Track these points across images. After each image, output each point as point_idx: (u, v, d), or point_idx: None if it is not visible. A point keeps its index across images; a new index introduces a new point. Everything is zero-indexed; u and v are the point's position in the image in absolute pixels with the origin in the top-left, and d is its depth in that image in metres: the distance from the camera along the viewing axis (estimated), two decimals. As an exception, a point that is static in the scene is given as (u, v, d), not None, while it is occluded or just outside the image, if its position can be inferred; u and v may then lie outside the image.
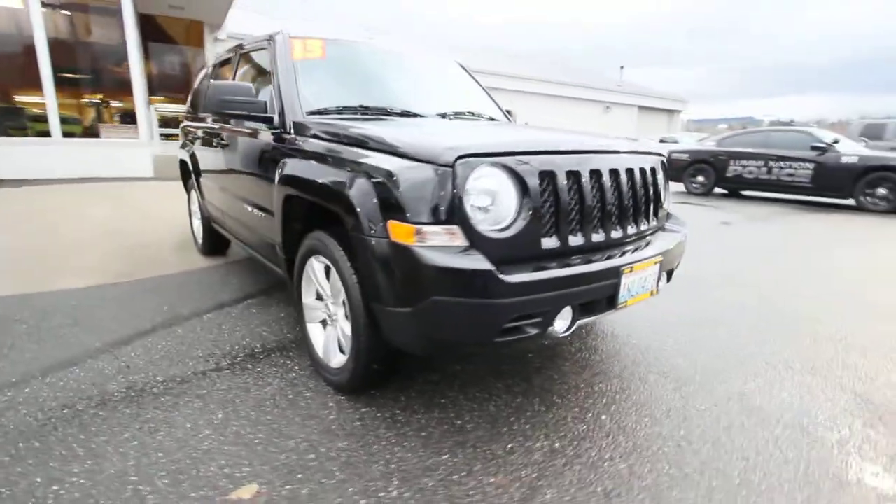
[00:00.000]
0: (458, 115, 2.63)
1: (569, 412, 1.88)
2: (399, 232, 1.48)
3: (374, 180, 1.54)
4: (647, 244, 1.97)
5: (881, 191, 7.50)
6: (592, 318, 1.72)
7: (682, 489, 1.48)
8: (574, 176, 1.67)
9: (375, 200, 1.53)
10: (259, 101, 2.27)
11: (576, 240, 1.68)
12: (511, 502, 1.41)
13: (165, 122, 10.50)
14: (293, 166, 2.00)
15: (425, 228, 1.45)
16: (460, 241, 1.48)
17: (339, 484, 1.47)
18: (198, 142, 3.58)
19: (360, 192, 1.57)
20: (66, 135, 8.53)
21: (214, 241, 3.98)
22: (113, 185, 8.17)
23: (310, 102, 2.26)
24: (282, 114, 2.26)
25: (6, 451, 1.61)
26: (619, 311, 1.81)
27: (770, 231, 6.06)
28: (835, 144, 8.14)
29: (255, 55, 2.89)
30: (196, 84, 4.18)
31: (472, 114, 2.73)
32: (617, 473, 1.54)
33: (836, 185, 7.97)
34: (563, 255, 1.65)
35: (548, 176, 1.60)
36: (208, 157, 3.33)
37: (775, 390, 2.08)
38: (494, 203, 1.52)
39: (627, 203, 1.86)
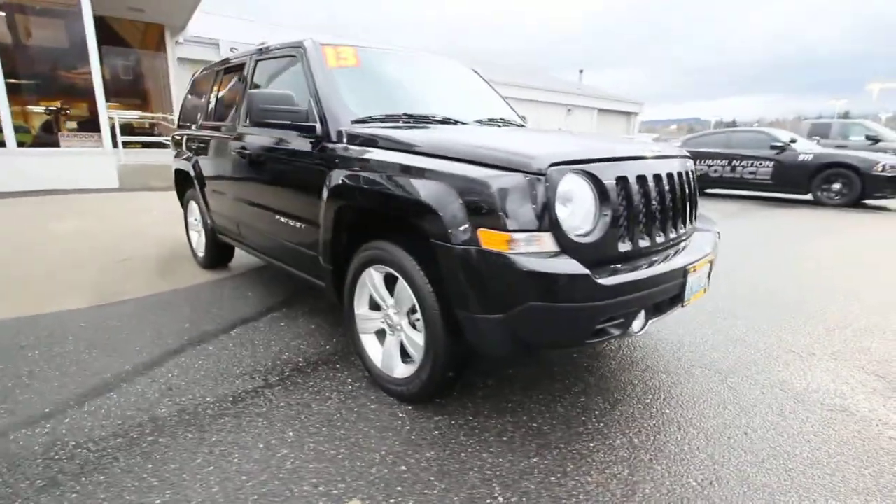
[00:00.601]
0: (492, 121, 2.66)
1: (633, 408, 1.95)
2: (491, 240, 1.50)
3: (462, 189, 1.55)
4: (691, 243, 2.07)
5: (836, 186, 8.12)
6: (661, 317, 1.79)
7: (764, 475, 1.57)
8: (641, 180, 1.74)
9: (464, 209, 1.54)
10: (301, 109, 2.22)
11: (644, 242, 1.75)
12: (614, 499, 1.45)
13: (128, 129, 9.96)
14: (349, 176, 1.97)
15: (519, 235, 1.48)
16: (551, 246, 1.51)
17: (442, 494, 1.47)
18: (203, 151, 3.44)
19: (445, 201, 1.57)
20: (20, 144, 7.94)
21: (218, 254, 3.84)
22: (78, 198, 7.67)
23: (352, 111, 2.23)
24: (324, 123, 2.22)
25: (70, 486, 1.51)
26: (676, 311, 1.89)
27: (745, 226, 6.44)
28: (792, 143, 8.75)
29: (273, 63, 2.82)
30: (187, 91, 4.02)
31: (504, 120, 2.77)
32: (701, 464, 1.61)
33: (795, 181, 8.56)
34: (634, 257, 1.72)
35: (621, 181, 1.66)
36: (219, 167, 3.21)
37: (809, 376, 2.23)
38: (580, 209, 1.57)
39: (679, 205, 1.95)
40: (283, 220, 2.52)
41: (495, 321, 1.55)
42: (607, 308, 1.52)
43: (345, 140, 2.07)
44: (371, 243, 1.96)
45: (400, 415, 1.89)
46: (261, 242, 2.92)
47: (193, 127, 3.70)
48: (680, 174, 2.01)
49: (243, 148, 2.81)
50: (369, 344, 2.13)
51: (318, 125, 2.23)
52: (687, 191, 2.06)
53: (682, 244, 2.02)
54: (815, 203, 8.38)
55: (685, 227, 2.03)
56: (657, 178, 1.82)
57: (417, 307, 1.79)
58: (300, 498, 1.45)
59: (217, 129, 3.27)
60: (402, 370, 1.97)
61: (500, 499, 1.45)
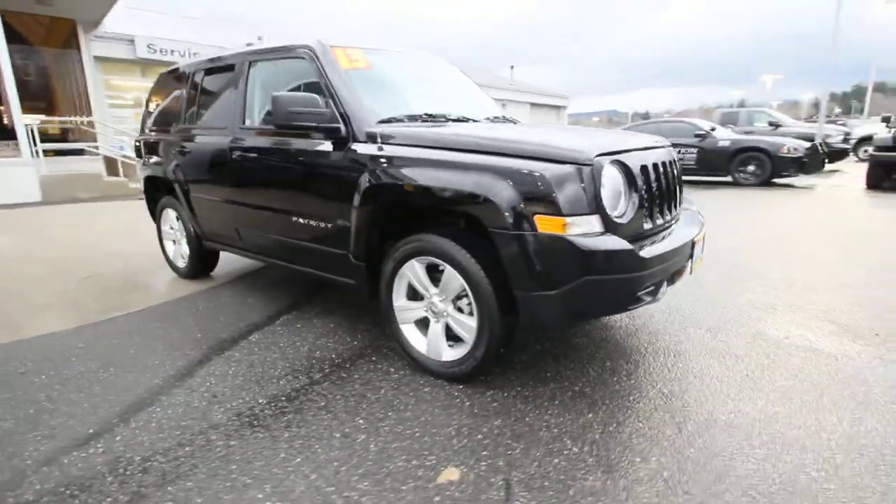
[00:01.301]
0: (496, 119, 2.85)
1: (652, 365, 2.24)
2: (548, 224, 1.69)
3: (518, 181, 1.73)
4: (682, 220, 2.39)
5: (750, 168, 9.20)
6: (674, 284, 2.08)
7: (772, 405, 1.90)
8: (653, 167, 2.01)
9: (520, 199, 1.72)
10: (326, 111, 2.27)
11: (658, 220, 2.03)
12: (667, 437, 1.71)
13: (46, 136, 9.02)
14: (391, 175, 2.08)
15: (573, 219, 1.68)
16: (598, 227, 1.73)
17: (524, 452, 1.65)
18: (186, 156, 3.32)
19: (503, 193, 1.74)
20: (-84, 157, 6.98)
21: (202, 263, 3.72)
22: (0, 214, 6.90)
23: (376, 112, 2.32)
24: (347, 124, 2.29)
25: (159, 497, 1.51)
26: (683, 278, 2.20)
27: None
28: (712, 132, 9.77)
29: (272, 64, 2.82)
30: (152, 94, 3.82)
31: (506, 118, 2.97)
32: (723, 404, 1.92)
33: (716, 165, 9.58)
34: (652, 234, 1.99)
35: (643, 169, 1.92)
36: (210, 172, 3.12)
37: (779, 327, 2.65)
38: (616, 193, 1.80)
39: (673, 187, 2.26)
40: (302, 221, 2.55)
41: (552, 297, 1.75)
42: (646, 277, 1.77)
43: (379, 140, 2.16)
44: (414, 237, 2.08)
45: (455, 394, 2.04)
46: (268, 246, 2.91)
47: (170, 131, 3.55)
48: (672, 161, 2.31)
49: (246, 151, 2.78)
50: (410, 333, 2.25)
51: (341, 126, 2.30)
52: (676, 175, 2.38)
53: (677, 221, 2.33)
54: (734, 183, 9.43)
55: (678, 206, 2.35)
56: (662, 164, 2.11)
57: (469, 292, 1.94)
58: (398, 472, 1.57)
59: (205, 132, 3.18)
60: (450, 353, 2.11)
61: (575, 449, 1.66)
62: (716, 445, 1.67)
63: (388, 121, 2.32)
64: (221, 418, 1.93)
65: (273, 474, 1.59)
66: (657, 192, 2.02)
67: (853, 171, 11.50)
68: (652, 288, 1.87)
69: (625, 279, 1.73)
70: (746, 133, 11.75)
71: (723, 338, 2.52)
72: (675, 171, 2.33)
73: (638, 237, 1.90)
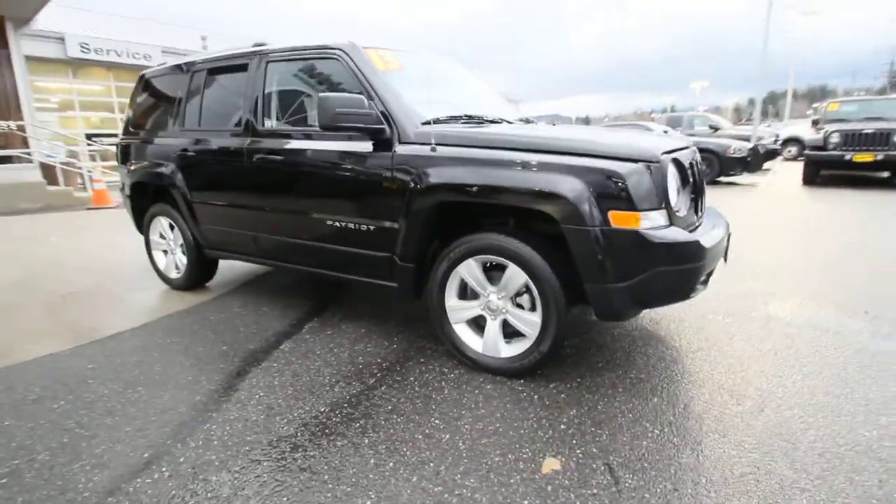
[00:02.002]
0: (521, 120, 2.92)
1: (692, 347, 2.39)
2: (622, 219, 1.77)
3: (591, 179, 1.80)
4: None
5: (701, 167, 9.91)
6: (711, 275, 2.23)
7: (798, 375, 2.09)
8: (692, 165, 2.16)
9: (594, 195, 1.79)
10: (371, 112, 2.23)
11: (700, 214, 2.18)
12: (741, 411, 1.84)
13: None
14: (446, 175, 2.08)
15: (645, 214, 1.78)
16: (664, 221, 1.83)
17: (610, 437, 1.71)
18: (190, 160, 3.13)
19: (576, 190, 1.80)
20: None
21: (201, 272, 3.52)
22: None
23: (419, 113, 2.32)
24: (392, 125, 2.27)
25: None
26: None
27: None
28: (665, 134, 10.42)
29: (293, 64, 2.73)
30: (137, 95, 3.58)
31: (528, 119, 3.04)
32: (758, 379, 2.09)
33: (670, 165, 10.23)
34: (696, 227, 2.13)
35: (689, 167, 2.06)
36: (222, 176, 2.97)
37: (785, 310, 2.90)
38: (676, 189, 1.92)
39: (702, 184, 2.43)
40: (338, 224, 2.49)
41: (623, 288, 1.84)
42: (705, 266, 1.90)
43: (432, 141, 2.15)
44: (473, 236, 2.10)
45: (519, 388, 2.08)
46: (292, 252, 2.80)
47: (165, 133, 3.33)
48: (699, 160, 2.49)
49: (269, 153, 2.67)
50: (463, 332, 2.26)
51: (386, 127, 2.27)
52: (701, 172, 2.56)
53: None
54: (687, 182, 10.11)
55: (705, 202, 2.52)
56: (695, 163, 2.26)
57: (533, 287, 1.99)
58: (499, 467, 1.58)
59: (213, 134, 3.02)
60: (509, 349, 2.15)
61: (657, 431, 1.74)
62: (778, 417, 1.82)
63: (431, 122, 2.32)
64: (287, 430, 1.86)
65: (371, 481, 1.56)
66: (698, 188, 2.17)
67: (784, 170, 12.66)
68: (705, 277, 2.01)
69: (689, 269, 1.84)
70: (689, 136, 12.65)
71: (741, 322, 2.73)
72: (700, 169, 2.50)
73: (690, 230, 2.02)
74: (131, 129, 3.68)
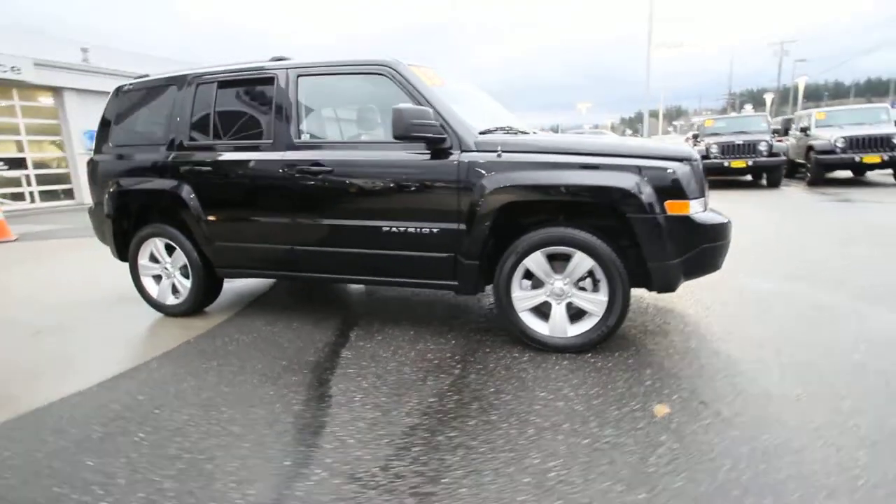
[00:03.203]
0: (543, 130, 3.27)
1: (699, 314, 2.89)
2: (676, 207, 2.19)
3: (651, 176, 2.19)
4: None
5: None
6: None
7: (803, 339, 2.68)
8: (697, 164, 2.68)
9: (654, 189, 2.18)
10: (436, 123, 2.41)
11: (705, 203, 2.70)
12: (769, 357, 2.32)
13: None
14: (515, 178, 2.34)
15: (693, 202, 2.21)
16: (702, 207, 2.29)
17: (690, 384, 2.09)
18: (208, 175, 2.98)
19: (640, 185, 2.18)
20: None
21: (206, 295, 3.33)
22: None
23: (474, 125, 2.56)
24: (453, 135, 2.48)
25: (445, 493, 1.55)
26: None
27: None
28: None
29: (331, 79, 2.81)
30: (115, 109, 3.32)
31: (554, 129, 3.40)
32: (787, 348, 2.64)
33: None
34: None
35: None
36: (256, 191, 2.89)
37: (763, 283, 3.58)
38: (704, 182, 2.39)
39: None
40: (397, 230, 2.60)
41: (677, 264, 2.25)
42: (730, 242, 2.39)
43: (499, 148, 2.40)
44: (540, 231, 2.38)
45: (591, 360, 2.38)
46: (338, 262, 2.82)
47: (165, 148, 3.13)
48: None
49: (312, 165, 2.70)
50: (528, 319, 2.52)
51: (447, 137, 2.47)
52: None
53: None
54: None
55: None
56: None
57: (599, 271, 2.32)
58: (623, 418, 1.86)
59: (235, 148, 2.94)
60: (575, 328, 2.45)
61: (723, 380, 2.15)
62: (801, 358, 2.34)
63: (485, 132, 2.58)
64: (412, 420, 1.95)
65: (524, 445, 1.74)
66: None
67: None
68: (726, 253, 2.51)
69: (723, 245, 2.32)
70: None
71: (749, 294, 3.30)
72: None
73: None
74: (110, 145, 3.38)
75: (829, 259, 4.15)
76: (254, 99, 2.99)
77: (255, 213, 2.94)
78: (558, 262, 2.45)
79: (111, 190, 3.30)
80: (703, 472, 1.55)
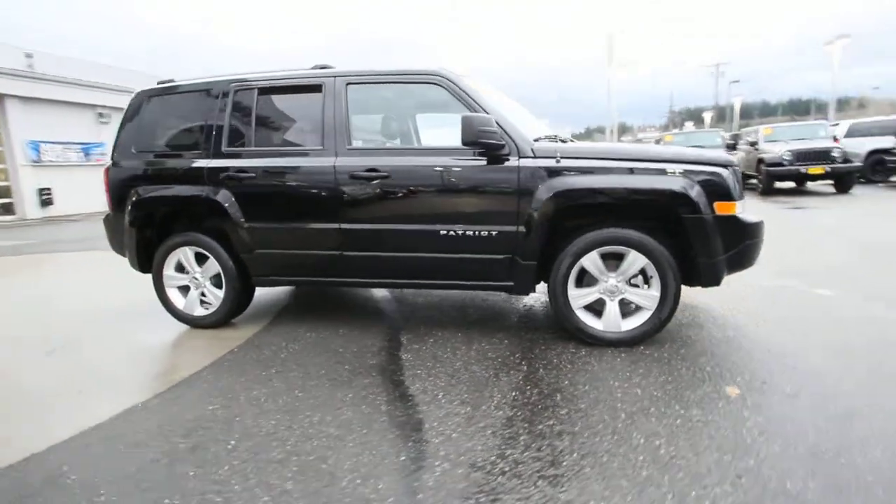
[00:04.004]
0: (574, 137, 3.45)
1: (723, 307, 3.15)
2: (724, 208, 2.41)
3: (702, 180, 2.40)
4: None
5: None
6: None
7: (802, 316, 2.98)
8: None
9: (705, 192, 2.40)
10: (497, 131, 2.53)
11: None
12: (793, 342, 2.57)
13: None
14: (574, 182, 2.49)
15: (737, 203, 2.44)
16: (742, 208, 2.53)
17: (746, 366, 2.29)
18: (247, 183, 2.94)
19: (694, 188, 2.38)
20: None
21: (239, 304, 3.24)
22: None
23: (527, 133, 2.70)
24: (511, 142, 2.61)
25: (580, 473, 1.64)
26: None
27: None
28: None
29: (382, 88, 2.88)
30: (170, 116, 3.22)
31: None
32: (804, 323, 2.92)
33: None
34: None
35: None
36: (307, 197, 2.89)
37: (768, 280, 3.90)
38: (739, 185, 2.64)
39: None
40: (454, 234, 2.67)
41: (723, 260, 2.47)
42: (763, 240, 2.64)
43: (558, 155, 2.55)
44: (595, 233, 2.53)
45: (645, 352, 2.55)
46: (390, 267, 2.85)
47: (191, 156, 3.05)
48: None
49: (369, 171, 2.73)
50: (583, 315, 2.66)
51: (506, 143, 2.60)
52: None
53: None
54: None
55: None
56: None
57: (651, 268, 2.50)
58: (703, 399, 2.02)
59: (284, 154, 2.92)
60: (628, 323, 2.61)
61: (772, 361, 2.37)
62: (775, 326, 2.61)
63: (537, 139, 2.72)
64: (506, 412, 2.02)
65: (629, 425, 1.86)
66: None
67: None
68: (757, 250, 2.76)
69: (759, 242, 2.56)
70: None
71: (738, 288, 3.58)
72: None
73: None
74: (133, 151, 3.25)
75: (811, 257, 4.60)
76: (300, 106, 2.99)
77: (302, 219, 2.92)
78: (610, 261, 2.61)
79: (136, 197, 3.17)
80: (794, 438, 1.73)
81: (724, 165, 2.50)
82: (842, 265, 4.24)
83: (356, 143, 2.87)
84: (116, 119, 16.79)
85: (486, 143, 2.49)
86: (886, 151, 11.17)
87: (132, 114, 3.30)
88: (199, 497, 1.59)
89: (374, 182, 2.76)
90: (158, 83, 3.35)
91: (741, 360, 2.39)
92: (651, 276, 2.55)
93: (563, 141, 3.03)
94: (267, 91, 3.03)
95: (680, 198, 2.41)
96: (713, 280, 2.53)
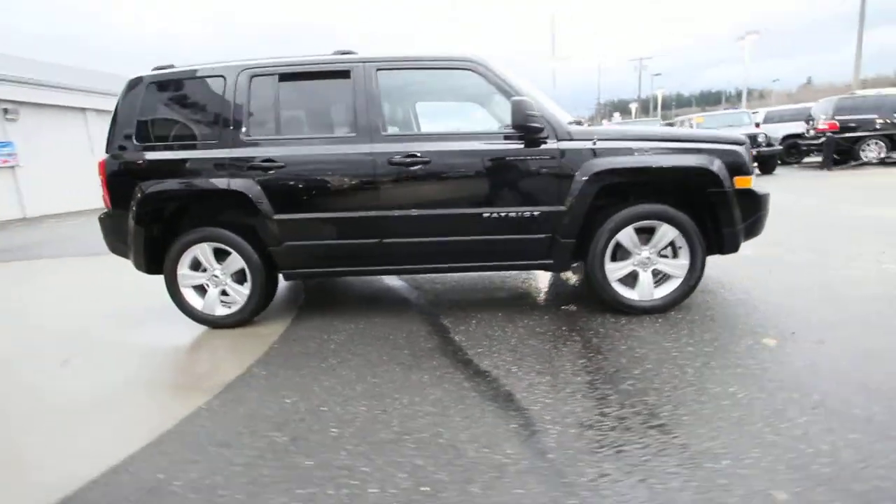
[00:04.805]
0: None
1: (738, 273, 3.49)
2: (742, 182, 2.69)
3: (724, 158, 2.65)
4: None
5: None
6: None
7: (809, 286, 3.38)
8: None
9: (725, 168, 2.65)
10: (539, 115, 2.63)
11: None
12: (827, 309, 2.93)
13: None
14: (613, 162, 2.66)
15: (752, 178, 2.73)
16: (754, 182, 2.83)
17: (770, 319, 2.59)
18: (276, 173, 2.82)
19: (716, 165, 2.63)
20: None
21: (266, 299, 3.13)
22: None
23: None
24: (549, 125, 2.72)
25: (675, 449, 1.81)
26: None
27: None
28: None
29: (414, 73, 2.87)
30: (177, 104, 2.99)
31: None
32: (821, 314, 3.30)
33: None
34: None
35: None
36: (343, 185, 2.82)
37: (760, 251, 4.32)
38: (748, 161, 2.94)
39: None
40: (497, 216, 2.75)
41: (742, 229, 2.75)
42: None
43: (595, 137, 2.70)
44: (631, 209, 2.73)
45: (681, 317, 2.78)
46: (431, 252, 2.88)
47: (207, 145, 2.88)
48: None
49: (409, 157, 2.73)
50: (619, 287, 2.85)
51: (546, 127, 2.71)
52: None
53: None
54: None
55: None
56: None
57: (682, 239, 2.74)
58: (749, 351, 2.27)
59: (313, 142, 2.84)
60: (660, 291, 2.84)
61: (796, 323, 2.69)
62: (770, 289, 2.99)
63: (573, 122, 2.87)
64: (586, 378, 2.16)
65: (701, 378, 2.06)
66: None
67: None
68: (761, 220, 3.08)
69: (767, 212, 2.88)
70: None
71: (730, 258, 3.97)
72: None
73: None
74: (136, 143, 3.00)
75: (778, 230, 5.15)
76: (326, 92, 2.92)
77: (337, 207, 2.87)
78: (641, 235, 2.82)
79: (143, 192, 2.93)
80: (840, 375, 2.01)
81: (740, 143, 2.78)
82: (804, 234, 4.81)
83: (392, 130, 2.85)
84: (28, 115, 14.90)
85: (531, 126, 2.59)
86: (799, 136, 12.63)
87: (130, 102, 3.04)
88: (332, 482, 1.58)
89: (415, 168, 2.77)
90: (155, 69, 3.11)
91: (763, 317, 2.70)
92: (680, 247, 2.79)
93: (578, 123, 3.19)
94: (289, 77, 2.91)
95: (707, 174, 2.66)
96: (733, 247, 2.82)
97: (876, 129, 10.74)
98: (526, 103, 2.55)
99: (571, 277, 3.80)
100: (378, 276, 4.02)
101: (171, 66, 3.10)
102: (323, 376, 2.34)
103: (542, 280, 3.80)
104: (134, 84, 3.05)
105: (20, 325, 3.59)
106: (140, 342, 3.02)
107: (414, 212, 2.82)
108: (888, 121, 10.61)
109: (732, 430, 1.71)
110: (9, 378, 2.65)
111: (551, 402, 1.97)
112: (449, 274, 4.02)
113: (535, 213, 2.78)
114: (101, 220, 3.18)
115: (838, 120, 10.91)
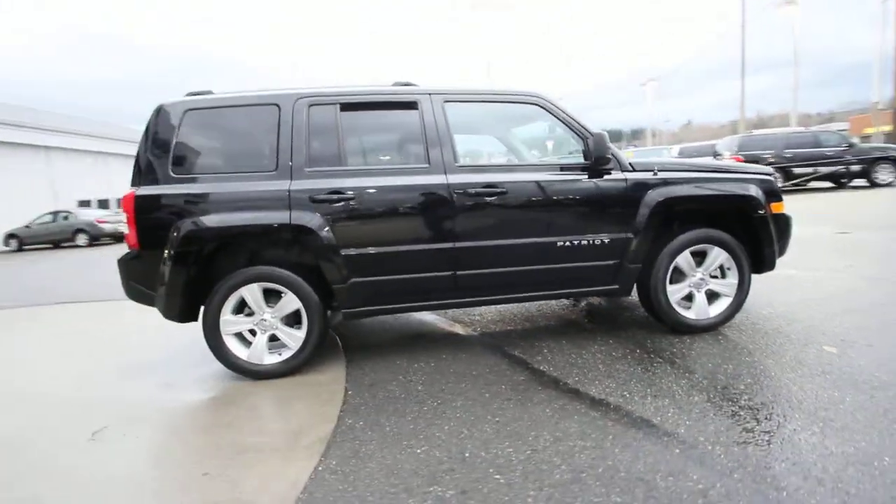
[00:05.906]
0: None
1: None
2: (777, 207, 3.03)
3: (762, 186, 2.97)
4: None
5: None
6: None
7: (819, 295, 3.81)
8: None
9: (765, 195, 2.97)
10: (610, 146, 2.78)
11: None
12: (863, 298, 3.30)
13: None
14: (673, 192, 2.86)
15: (783, 203, 3.08)
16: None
17: (821, 326, 2.88)
18: (342, 205, 2.65)
19: (759, 193, 2.94)
20: None
21: (322, 341, 2.87)
22: None
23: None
24: (614, 157, 2.87)
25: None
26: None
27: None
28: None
29: (484, 107, 2.93)
30: (221, 134, 2.71)
31: None
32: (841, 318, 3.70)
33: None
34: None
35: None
36: (417, 217, 2.72)
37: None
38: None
39: None
40: (569, 244, 2.82)
41: (777, 248, 3.07)
42: (791, 232, 3.35)
43: (655, 168, 2.89)
44: (686, 234, 2.93)
45: (727, 335, 3.00)
46: (502, 283, 2.85)
47: (259, 177, 2.66)
48: None
49: (488, 187, 2.73)
50: (680, 308, 3.02)
51: (612, 159, 2.87)
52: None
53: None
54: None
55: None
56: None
57: (732, 263, 2.99)
58: (815, 360, 2.51)
59: (381, 173, 2.72)
60: (713, 310, 3.05)
61: (835, 326, 3.01)
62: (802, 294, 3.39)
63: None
64: (709, 395, 2.23)
65: (780, 385, 2.22)
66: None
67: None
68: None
69: (791, 232, 3.25)
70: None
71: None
72: None
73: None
74: (172, 175, 2.67)
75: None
76: (390, 124, 2.85)
77: (409, 240, 2.75)
78: (695, 258, 3.04)
79: (183, 229, 2.59)
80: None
81: (770, 174, 3.15)
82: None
83: (464, 161, 2.83)
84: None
85: (607, 157, 2.73)
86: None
87: (163, 131, 2.72)
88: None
89: (491, 198, 2.76)
90: (189, 94, 2.83)
91: (805, 328, 3.00)
92: (728, 268, 3.04)
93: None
94: (351, 107, 2.80)
95: (752, 200, 2.96)
96: (771, 266, 3.13)
97: (770, 164, 12.62)
98: (604, 137, 2.69)
99: (589, 300, 3.95)
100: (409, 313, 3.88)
101: (210, 92, 2.85)
102: (438, 421, 2.18)
103: (568, 305, 3.90)
104: (168, 111, 2.74)
105: (26, 392, 2.93)
106: (175, 400, 2.60)
107: (491, 242, 2.80)
108: (780, 155, 12.52)
109: (843, 419, 1.95)
110: (48, 463, 2.13)
111: (692, 424, 2.01)
112: (484, 305, 3.98)
113: (606, 241, 2.88)
114: (122, 262, 2.75)
115: (742, 154, 12.64)
